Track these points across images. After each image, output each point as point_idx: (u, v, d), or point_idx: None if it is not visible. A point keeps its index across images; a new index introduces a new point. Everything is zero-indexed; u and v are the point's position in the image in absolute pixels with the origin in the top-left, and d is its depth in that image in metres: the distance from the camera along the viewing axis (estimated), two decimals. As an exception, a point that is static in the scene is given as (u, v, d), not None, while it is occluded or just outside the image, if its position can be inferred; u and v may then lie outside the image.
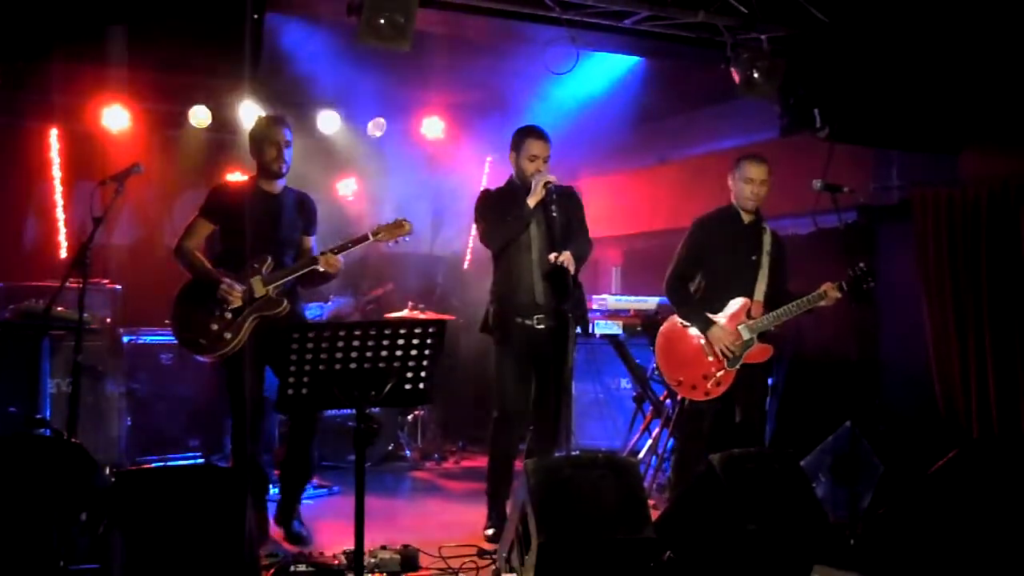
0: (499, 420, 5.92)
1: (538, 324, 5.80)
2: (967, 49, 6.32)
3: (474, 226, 6.58)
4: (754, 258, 5.92)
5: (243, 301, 5.57)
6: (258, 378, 5.69)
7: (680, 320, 5.99)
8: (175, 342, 5.62)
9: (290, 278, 5.70)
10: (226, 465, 6.61)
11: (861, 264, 5.71)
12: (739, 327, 5.83)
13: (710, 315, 5.86)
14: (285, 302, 5.65)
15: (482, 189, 6.08)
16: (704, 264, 5.97)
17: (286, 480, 5.92)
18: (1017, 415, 6.30)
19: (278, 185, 5.82)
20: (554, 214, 5.68)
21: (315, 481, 7.06)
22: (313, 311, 7.94)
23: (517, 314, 5.81)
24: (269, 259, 5.67)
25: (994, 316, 6.49)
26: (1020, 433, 6.24)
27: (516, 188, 5.90)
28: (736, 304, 5.87)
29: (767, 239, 5.98)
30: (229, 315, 5.56)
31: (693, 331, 5.90)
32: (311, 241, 5.99)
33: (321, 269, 5.66)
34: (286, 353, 4.13)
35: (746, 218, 5.98)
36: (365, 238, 5.72)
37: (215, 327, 5.54)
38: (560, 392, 5.73)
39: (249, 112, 8.46)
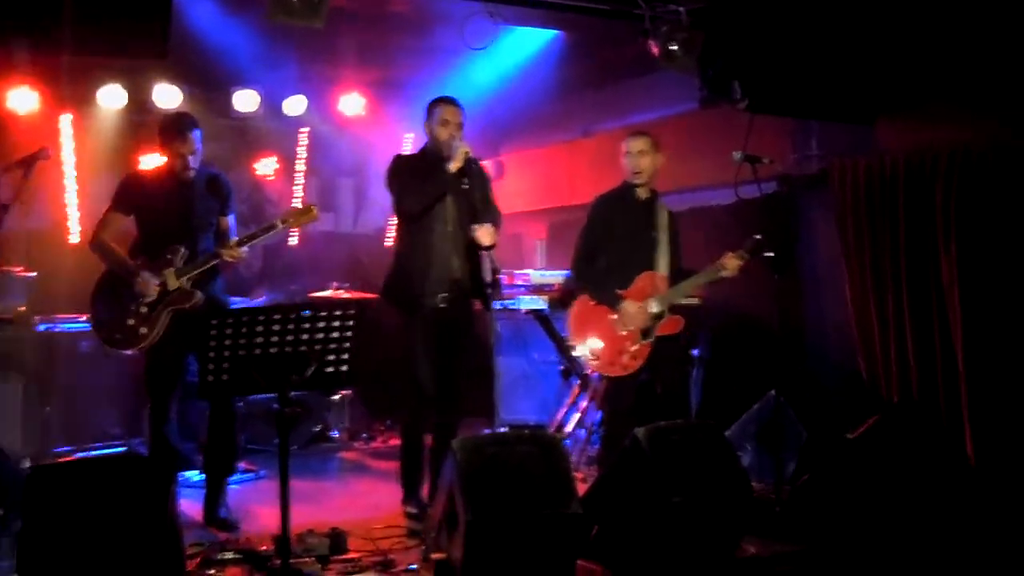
0: (416, 403, 5.81)
1: (450, 300, 5.72)
2: (881, 20, 6.38)
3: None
4: (653, 234, 6.00)
5: (158, 295, 5.53)
6: (179, 368, 5.72)
7: (590, 299, 6.00)
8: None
9: (198, 271, 5.62)
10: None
11: (756, 236, 5.81)
12: (649, 300, 5.88)
13: (619, 291, 5.90)
14: (199, 293, 5.60)
15: (395, 155, 5.91)
16: (606, 241, 6.00)
17: (210, 468, 5.85)
18: (935, 380, 6.42)
19: (189, 172, 5.70)
20: (465, 186, 5.57)
21: (242, 465, 6.99)
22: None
23: (430, 290, 5.68)
24: (183, 249, 5.61)
25: (912, 283, 6.59)
26: (938, 397, 6.37)
27: (431, 156, 5.76)
28: (643, 278, 5.94)
29: (663, 215, 6.07)
30: (145, 309, 5.54)
31: (603, 308, 5.92)
32: (229, 221, 5.88)
33: (226, 259, 5.62)
34: (205, 339, 4.08)
35: (641, 194, 6.06)
36: (273, 227, 5.65)
37: (131, 322, 5.54)
38: (462, 366, 5.83)
39: (164, 92, 8.32)
